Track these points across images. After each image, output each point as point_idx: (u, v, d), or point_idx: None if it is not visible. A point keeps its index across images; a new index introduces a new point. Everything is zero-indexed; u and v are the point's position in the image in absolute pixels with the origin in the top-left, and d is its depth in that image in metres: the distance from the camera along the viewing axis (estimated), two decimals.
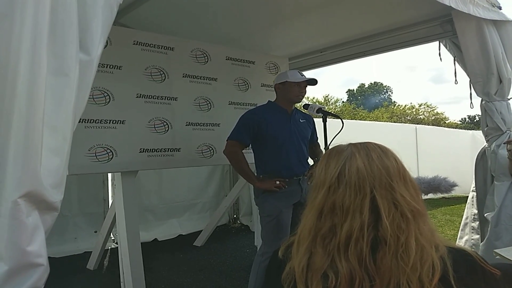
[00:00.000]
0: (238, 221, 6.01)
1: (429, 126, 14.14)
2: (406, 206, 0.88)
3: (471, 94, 3.45)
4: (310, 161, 3.12)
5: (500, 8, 3.23)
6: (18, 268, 1.07)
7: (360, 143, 0.98)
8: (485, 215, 3.26)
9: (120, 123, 3.14)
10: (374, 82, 57.75)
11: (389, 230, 0.86)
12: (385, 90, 57.69)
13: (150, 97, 3.34)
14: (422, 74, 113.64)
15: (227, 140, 2.96)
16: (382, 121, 22.17)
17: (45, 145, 1.13)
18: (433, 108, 27.76)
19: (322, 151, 3.15)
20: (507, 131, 3.21)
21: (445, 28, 3.48)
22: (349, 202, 0.89)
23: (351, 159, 0.92)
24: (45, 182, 1.12)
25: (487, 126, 3.30)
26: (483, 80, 3.22)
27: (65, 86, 1.22)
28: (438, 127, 13.89)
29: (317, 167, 1.00)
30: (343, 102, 35.49)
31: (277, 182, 2.82)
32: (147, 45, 3.36)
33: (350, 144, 0.99)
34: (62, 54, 1.21)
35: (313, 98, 28.40)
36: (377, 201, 0.88)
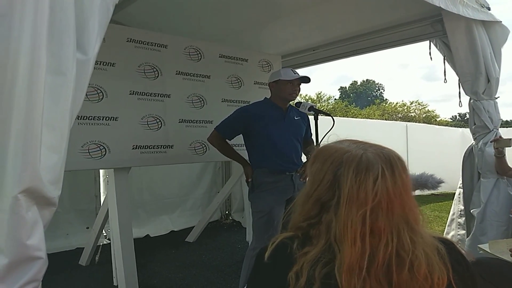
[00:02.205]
0: (230, 217, 6.05)
1: (419, 124, 14.30)
2: (413, 219, 0.91)
3: (459, 92, 3.51)
4: (304, 158, 3.17)
5: (489, 9, 3.30)
6: (18, 261, 1.10)
7: (381, 152, 0.95)
8: (471, 211, 3.34)
9: (113, 120, 3.15)
10: (367, 80, 58.07)
11: (406, 247, 0.88)
12: (377, 88, 58.00)
13: (143, 94, 3.36)
14: (414, 71, 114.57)
15: (214, 128, 3.07)
16: (373, 118, 22.31)
17: (44, 143, 1.16)
18: (424, 106, 28.02)
19: (315, 148, 3.20)
20: (494, 129, 3.28)
21: (435, 27, 3.53)
22: (383, 225, 0.88)
23: (381, 179, 0.90)
24: (44, 178, 1.16)
25: (474, 124, 3.37)
26: (472, 79, 3.28)
27: (63, 85, 1.24)
28: (429, 125, 14.05)
29: (341, 176, 0.94)
30: (335, 99, 35.60)
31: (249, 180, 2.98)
32: (140, 42, 3.37)
33: (370, 151, 0.94)
34: (60, 53, 1.24)
35: (306, 95, 28.45)
36: (398, 221, 0.89)
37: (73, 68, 1.28)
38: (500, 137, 3.17)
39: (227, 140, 3.10)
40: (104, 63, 3.13)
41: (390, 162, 0.92)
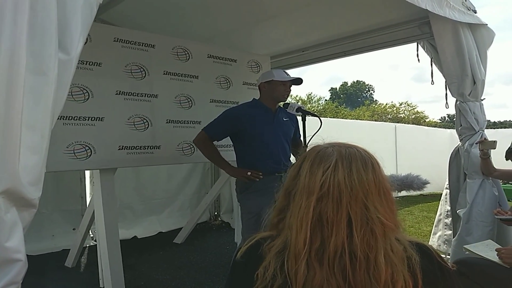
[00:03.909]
0: (219, 218, 6.03)
1: (408, 125, 14.40)
2: (377, 223, 0.90)
3: (446, 94, 3.54)
4: (293, 159, 3.17)
5: (475, 11, 3.33)
6: None
7: (345, 149, 0.97)
8: (457, 211, 3.36)
9: (99, 120, 3.13)
10: (357, 81, 58.39)
11: (359, 246, 0.88)
12: (367, 89, 58.33)
13: (130, 94, 3.33)
14: (405, 72, 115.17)
15: (202, 129, 3.04)
16: (363, 119, 22.42)
17: (23, 143, 1.14)
18: (414, 107, 28.23)
19: (304, 149, 3.20)
20: (480, 131, 3.31)
21: (423, 30, 3.56)
22: (332, 216, 0.90)
23: (334, 170, 0.92)
24: (23, 179, 1.13)
25: (461, 125, 3.40)
26: (458, 81, 3.31)
27: (44, 85, 1.22)
28: (417, 126, 14.14)
29: (302, 167, 0.98)
30: (326, 100, 35.72)
31: (249, 173, 2.88)
32: (127, 42, 3.35)
33: (336, 148, 0.98)
34: (41, 53, 1.22)
35: (296, 96, 28.54)
36: (351, 217, 0.90)
37: (54, 68, 1.26)
38: (485, 138, 3.20)
39: (214, 142, 3.08)
40: (90, 63, 3.10)
41: (349, 157, 0.95)
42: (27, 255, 1.18)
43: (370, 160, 0.96)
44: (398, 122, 18.78)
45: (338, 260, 0.88)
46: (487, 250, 2.25)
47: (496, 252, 2.14)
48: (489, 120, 3.46)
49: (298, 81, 3.02)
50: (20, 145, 1.13)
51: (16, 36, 1.12)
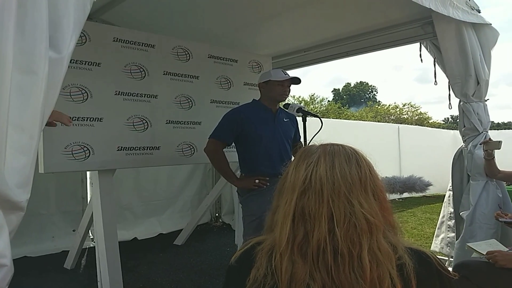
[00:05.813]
0: (220, 220, 5.99)
1: (411, 126, 14.33)
2: (361, 219, 0.88)
3: (449, 95, 3.50)
4: None
5: (479, 11, 3.30)
6: None
7: (330, 146, 0.98)
8: (460, 213, 3.32)
9: (97, 121, 3.10)
10: (360, 82, 58.23)
11: (341, 242, 0.86)
12: (370, 90, 58.19)
13: (129, 94, 3.30)
14: (408, 73, 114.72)
15: (208, 138, 2.97)
16: (366, 120, 22.32)
17: (10, 144, 1.11)
18: (417, 108, 28.11)
19: None
20: (483, 132, 3.27)
21: (426, 29, 3.53)
22: (314, 209, 0.89)
23: (316, 165, 0.93)
24: (10, 181, 1.10)
25: (464, 126, 3.36)
26: (462, 82, 3.28)
27: (33, 84, 1.19)
28: (421, 127, 14.10)
29: (289, 166, 1.00)
30: (328, 101, 35.60)
31: (257, 181, 2.83)
32: (127, 42, 3.32)
33: (321, 146, 0.99)
34: (31, 51, 1.19)
35: (299, 97, 28.42)
36: (334, 211, 0.88)
37: (45, 66, 1.22)
38: (490, 139, 3.15)
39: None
40: (89, 63, 3.08)
41: (332, 153, 0.95)
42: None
43: (354, 156, 0.96)
44: (401, 123, 18.70)
45: (322, 255, 0.87)
46: (490, 249, 2.22)
47: (486, 256, 2.12)
48: (493, 121, 3.42)
49: (296, 80, 2.98)
50: (6, 146, 1.09)
51: (2, 34, 1.09)
